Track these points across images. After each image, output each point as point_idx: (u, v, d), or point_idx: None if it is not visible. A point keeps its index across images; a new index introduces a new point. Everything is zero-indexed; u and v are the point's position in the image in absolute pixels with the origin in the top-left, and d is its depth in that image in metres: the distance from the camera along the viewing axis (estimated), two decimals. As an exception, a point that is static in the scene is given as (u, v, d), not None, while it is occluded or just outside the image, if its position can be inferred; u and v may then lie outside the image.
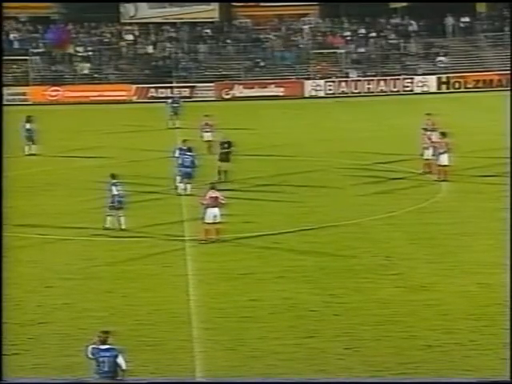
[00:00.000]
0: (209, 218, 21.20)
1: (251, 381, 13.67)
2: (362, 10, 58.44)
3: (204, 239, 21.26)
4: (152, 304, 17.16)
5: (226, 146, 28.68)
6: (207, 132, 32.89)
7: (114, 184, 22.71)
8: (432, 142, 28.85)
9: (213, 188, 21.67)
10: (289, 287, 17.94)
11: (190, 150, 26.71)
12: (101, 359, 12.27)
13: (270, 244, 21.18)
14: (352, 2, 58.38)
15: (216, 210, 21.17)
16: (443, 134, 27.97)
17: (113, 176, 22.99)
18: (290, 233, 22.11)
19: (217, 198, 21.33)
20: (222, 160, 28.27)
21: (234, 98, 53.00)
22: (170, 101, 42.16)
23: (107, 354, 12.28)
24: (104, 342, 12.37)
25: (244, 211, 24.33)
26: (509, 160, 28.28)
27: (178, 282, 18.49)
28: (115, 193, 22.57)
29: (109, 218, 22.53)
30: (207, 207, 21.26)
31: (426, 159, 28.54)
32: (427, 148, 28.54)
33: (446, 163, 27.49)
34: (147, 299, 17.46)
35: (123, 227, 22.40)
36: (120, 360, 12.28)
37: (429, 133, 29.01)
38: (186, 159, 26.23)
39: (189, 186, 26.10)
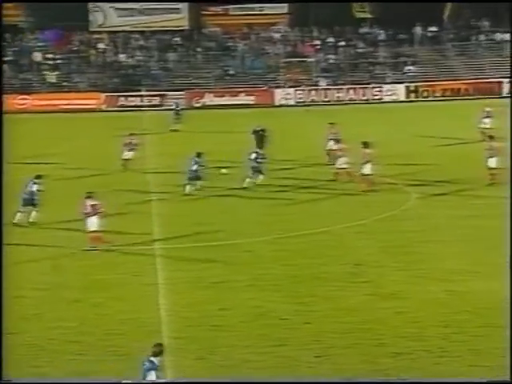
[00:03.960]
0: (91, 227, 21.51)
1: (252, 381, 13.90)
2: (331, 19, 58.81)
3: (93, 246, 21.36)
4: (122, 313, 17.05)
5: (260, 132, 32.91)
6: (129, 151, 32.18)
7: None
8: (332, 150, 30.84)
9: (89, 197, 22.08)
10: (259, 295, 17.94)
11: (198, 155, 28.05)
12: (144, 367, 12.65)
13: (240, 252, 21.16)
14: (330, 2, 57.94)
15: (95, 219, 21.46)
16: (366, 145, 28.24)
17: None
18: (260, 241, 22.12)
19: (95, 206, 21.64)
20: (258, 147, 31.61)
21: (205, 107, 53.02)
22: (174, 106, 44.25)
23: (146, 363, 12.55)
24: (155, 355, 12.63)
25: (215, 219, 24.34)
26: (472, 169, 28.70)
27: (148, 291, 18.40)
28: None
29: (18, 213, 23.96)
30: (87, 216, 21.63)
31: (338, 168, 28.99)
32: (341, 156, 29.18)
33: (369, 172, 27.71)
34: (117, 308, 17.35)
35: (31, 220, 23.84)
36: (151, 376, 12.48)
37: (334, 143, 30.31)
38: (192, 163, 27.72)
39: (188, 187, 27.50)
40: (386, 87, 55.94)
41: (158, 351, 12.66)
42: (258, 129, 33.73)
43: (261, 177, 28.70)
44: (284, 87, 55.84)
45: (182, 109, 45.14)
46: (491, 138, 29.50)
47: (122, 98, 53.32)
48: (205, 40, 59.82)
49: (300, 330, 16.07)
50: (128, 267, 20.12)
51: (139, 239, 22.36)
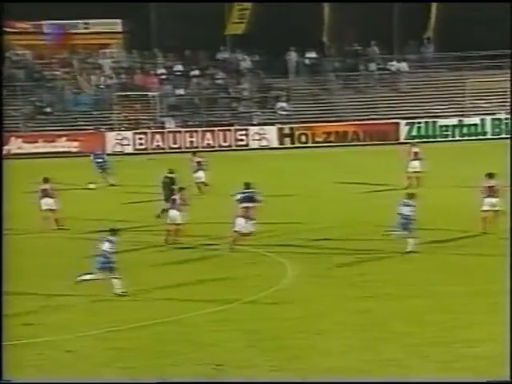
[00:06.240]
0: None
1: (252, 381, 15.53)
2: (181, 41, 59.57)
3: None
4: None
5: (169, 180, 34.90)
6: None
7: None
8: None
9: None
10: (85, 412, 17.54)
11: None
12: None
13: (60, 353, 20.70)
14: None
15: None
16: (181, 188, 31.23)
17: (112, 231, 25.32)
18: (86, 336, 21.75)
19: None
20: (165, 198, 33.80)
21: (10, 156, 52.18)
22: (92, 157, 44.22)
23: None
24: None
25: (23, 308, 23.78)
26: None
27: None
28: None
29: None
30: None
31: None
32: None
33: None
34: None
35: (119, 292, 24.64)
36: None
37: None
38: None
39: None
40: (252, 130, 57.07)
41: None
42: (169, 176, 35.18)
43: None
44: (119, 130, 55.91)
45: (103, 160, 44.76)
46: (490, 176, 31.13)
47: None
48: (9, 67, 59.21)
49: None
50: None
51: None
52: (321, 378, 14.82)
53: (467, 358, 19.52)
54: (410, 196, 29.23)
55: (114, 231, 25.37)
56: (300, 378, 14.74)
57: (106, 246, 24.86)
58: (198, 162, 39.87)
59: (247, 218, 29.73)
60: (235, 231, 29.63)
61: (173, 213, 30.49)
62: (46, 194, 33.41)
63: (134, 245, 30.58)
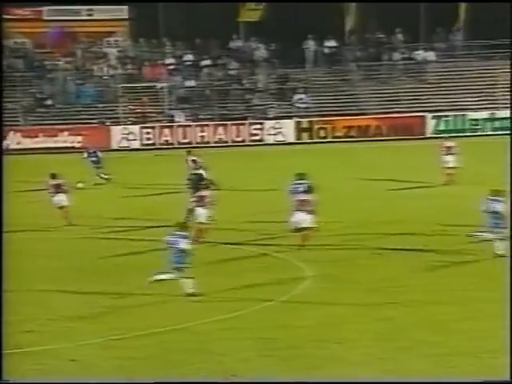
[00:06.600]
0: None
1: (251, 380, 16.19)
2: (191, 29, 59.66)
3: None
4: None
5: (197, 176, 34.81)
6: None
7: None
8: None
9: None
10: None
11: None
12: None
13: (63, 362, 20.80)
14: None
15: None
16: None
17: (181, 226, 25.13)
18: (90, 344, 21.85)
19: None
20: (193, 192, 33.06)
21: (9, 152, 52.39)
22: (85, 155, 44.61)
23: None
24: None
25: (23, 314, 23.89)
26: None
27: None
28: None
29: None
30: None
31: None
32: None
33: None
34: None
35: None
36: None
37: None
38: None
39: None
40: (268, 123, 57.11)
41: None
42: (195, 172, 35.78)
43: None
44: (125, 124, 56.04)
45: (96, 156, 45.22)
46: None
47: None
48: (8, 56, 59.44)
49: None
50: None
51: None
52: (321, 379, 14.63)
53: (495, 368, 19.54)
54: (497, 192, 28.54)
55: (182, 225, 25.46)
56: (301, 378, 14.58)
57: (178, 243, 24.87)
58: (194, 161, 39.32)
59: (306, 211, 29.35)
60: (295, 228, 29.49)
61: (199, 211, 30.55)
62: (58, 189, 33.83)
63: (138, 247, 30.76)
